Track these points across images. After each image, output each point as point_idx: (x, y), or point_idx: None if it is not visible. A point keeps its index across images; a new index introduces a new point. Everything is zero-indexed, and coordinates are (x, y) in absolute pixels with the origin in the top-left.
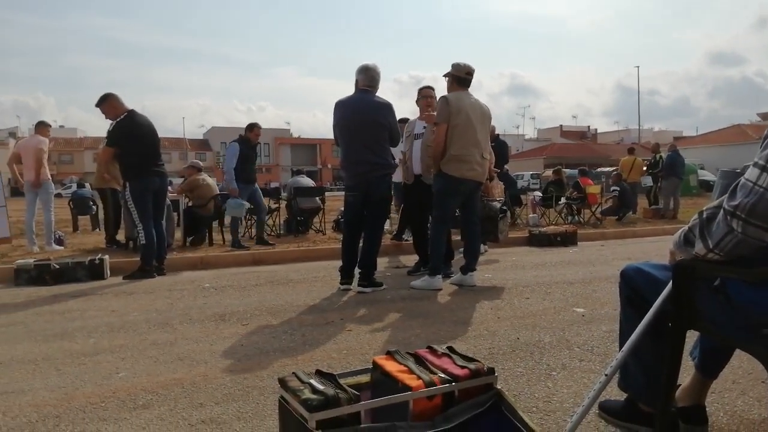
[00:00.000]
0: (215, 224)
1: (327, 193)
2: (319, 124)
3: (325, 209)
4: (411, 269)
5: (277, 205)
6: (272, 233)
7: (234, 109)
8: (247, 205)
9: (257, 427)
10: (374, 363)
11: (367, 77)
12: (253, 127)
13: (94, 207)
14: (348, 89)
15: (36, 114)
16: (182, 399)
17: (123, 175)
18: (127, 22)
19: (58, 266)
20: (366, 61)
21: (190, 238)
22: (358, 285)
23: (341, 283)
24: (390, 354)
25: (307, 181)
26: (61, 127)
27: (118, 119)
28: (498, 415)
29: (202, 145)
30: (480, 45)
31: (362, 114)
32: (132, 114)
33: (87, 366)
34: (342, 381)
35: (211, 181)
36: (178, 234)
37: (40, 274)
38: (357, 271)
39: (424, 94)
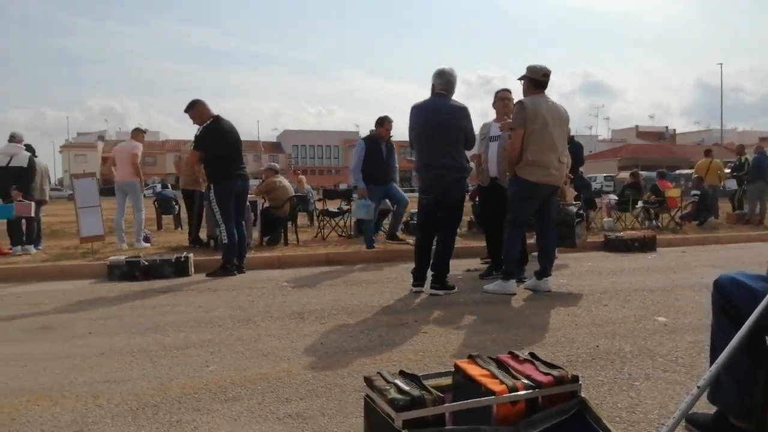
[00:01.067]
0: (290, 225)
1: None
2: None
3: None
4: (483, 273)
5: (348, 207)
6: (343, 234)
7: (304, 112)
8: (372, 205)
9: (341, 423)
10: (456, 366)
11: (443, 81)
12: (383, 122)
13: (177, 207)
14: (414, 89)
15: (122, 118)
16: (269, 393)
17: (208, 177)
18: (203, 28)
19: (147, 263)
20: (431, 60)
21: (267, 238)
22: (431, 287)
23: (414, 285)
24: (472, 358)
25: None
26: (146, 131)
27: (205, 124)
28: (582, 423)
29: (275, 147)
30: (550, 43)
31: (438, 117)
32: (218, 119)
33: (179, 358)
34: (425, 383)
35: (287, 183)
36: (256, 234)
37: (131, 270)
38: (429, 273)
39: (501, 97)
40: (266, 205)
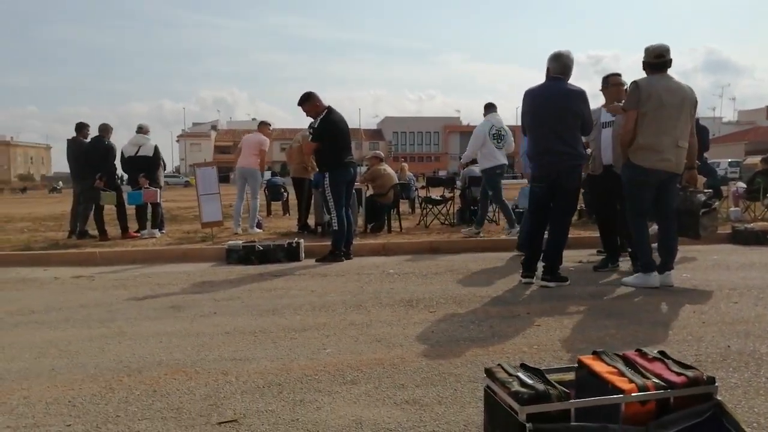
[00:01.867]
0: (393, 212)
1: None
2: None
3: None
4: (597, 265)
5: (451, 195)
6: (446, 222)
7: (405, 99)
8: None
9: (458, 413)
10: (580, 362)
11: (559, 65)
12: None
13: (285, 194)
14: (517, 72)
15: (231, 108)
16: (385, 379)
17: (323, 166)
18: (304, 19)
19: (261, 248)
20: (536, 42)
21: (371, 225)
22: (542, 279)
23: (523, 276)
24: (597, 354)
25: None
26: (254, 119)
27: (320, 116)
28: (718, 428)
29: (375, 134)
30: (665, 17)
31: (554, 102)
32: (330, 110)
33: (297, 340)
34: (548, 377)
35: (391, 171)
36: (360, 221)
37: (247, 255)
38: (540, 264)
39: (613, 82)
40: (370, 192)
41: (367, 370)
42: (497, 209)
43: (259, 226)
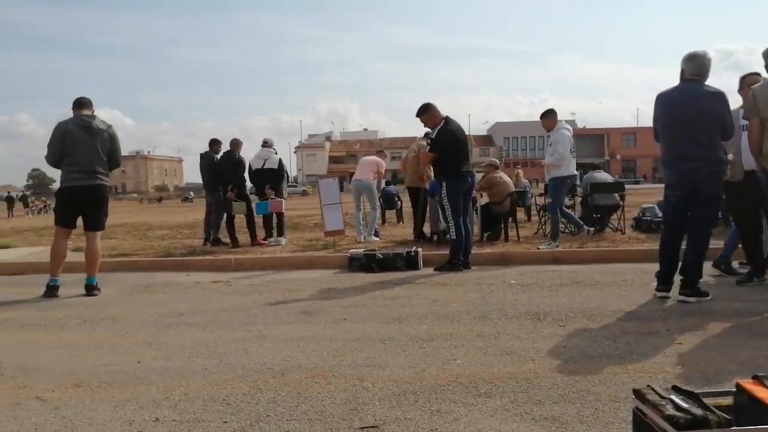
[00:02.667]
0: (509, 220)
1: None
2: (605, 113)
3: (624, 206)
4: (741, 279)
5: (571, 202)
6: (566, 230)
7: (516, 103)
8: None
9: None
10: (739, 386)
11: (696, 65)
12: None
13: (399, 202)
14: (635, 71)
15: (344, 119)
16: (520, 393)
17: (441, 175)
18: (413, 28)
19: (381, 256)
20: (656, 38)
21: (487, 233)
22: (680, 293)
23: (658, 290)
24: (758, 378)
25: (604, 176)
26: (365, 130)
27: (437, 126)
28: None
29: (485, 140)
30: None
31: (690, 105)
32: (448, 120)
33: (426, 350)
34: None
35: (507, 178)
36: (476, 230)
37: (368, 262)
38: (678, 277)
39: (749, 83)
40: (486, 200)
41: (500, 384)
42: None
43: (376, 234)
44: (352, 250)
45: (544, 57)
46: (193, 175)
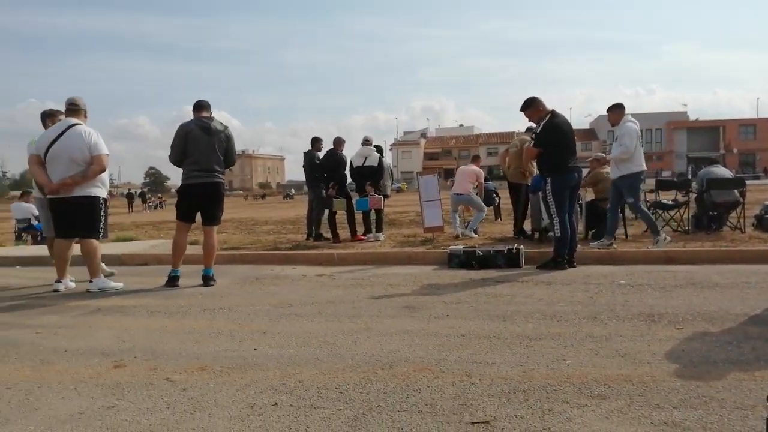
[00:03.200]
0: None
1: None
2: (720, 103)
3: (745, 203)
4: None
5: (685, 199)
6: (679, 228)
7: (620, 95)
8: None
9: None
10: None
11: None
12: None
13: (497, 199)
14: (756, 57)
15: (439, 116)
16: (636, 396)
17: (545, 171)
18: (511, 22)
19: (481, 253)
20: None
21: (592, 231)
22: None
23: None
24: None
25: (723, 172)
26: (461, 125)
27: (542, 121)
28: None
29: (588, 135)
30: None
31: None
32: (554, 114)
33: (534, 349)
34: None
35: None
36: (580, 227)
37: (468, 259)
38: None
39: None
40: (591, 197)
41: (614, 386)
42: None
43: (475, 231)
44: (451, 247)
45: (651, 47)
46: (294, 172)
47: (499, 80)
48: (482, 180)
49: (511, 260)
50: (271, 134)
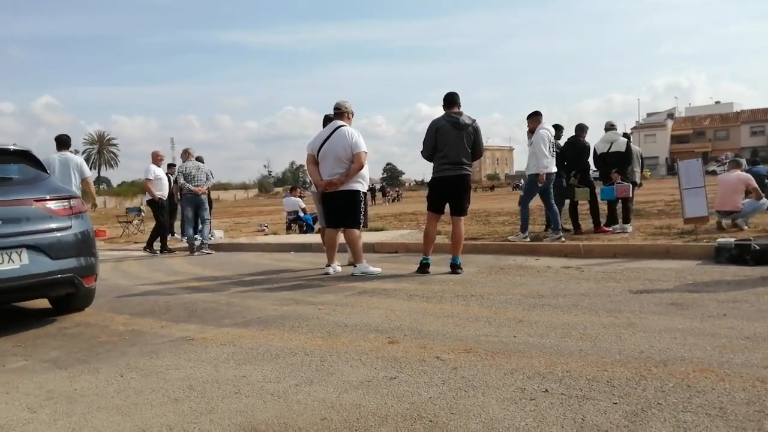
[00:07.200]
0: None
1: None
2: None
3: None
4: None
5: None
6: None
7: None
8: None
9: None
10: None
11: None
12: None
13: None
14: None
15: (688, 92)
16: None
17: None
18: None
19: (758, 247)
20: None
21: None
22: None
23: None
24: None
25: None
26: (717, 102)
27: None
28: None
29: None
30: None
31: None
32: None
33: None
34: None
35: None
36: None
37: (741, 254)
38: None
39: None
40: None
41: None
42: None
43: (745, 221)
44: (719, 240)
45: None
46: (521, 163)
47: (762, 48)
48: (753, 183)
49: None
50: (498, 125)
